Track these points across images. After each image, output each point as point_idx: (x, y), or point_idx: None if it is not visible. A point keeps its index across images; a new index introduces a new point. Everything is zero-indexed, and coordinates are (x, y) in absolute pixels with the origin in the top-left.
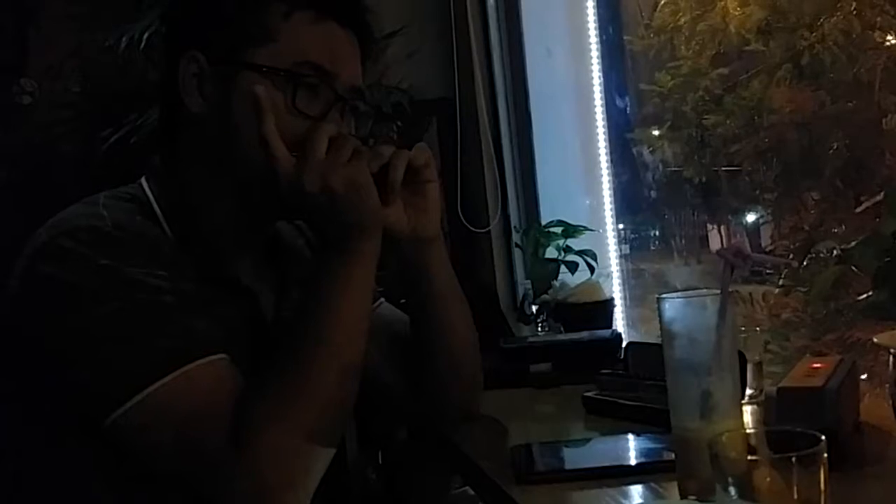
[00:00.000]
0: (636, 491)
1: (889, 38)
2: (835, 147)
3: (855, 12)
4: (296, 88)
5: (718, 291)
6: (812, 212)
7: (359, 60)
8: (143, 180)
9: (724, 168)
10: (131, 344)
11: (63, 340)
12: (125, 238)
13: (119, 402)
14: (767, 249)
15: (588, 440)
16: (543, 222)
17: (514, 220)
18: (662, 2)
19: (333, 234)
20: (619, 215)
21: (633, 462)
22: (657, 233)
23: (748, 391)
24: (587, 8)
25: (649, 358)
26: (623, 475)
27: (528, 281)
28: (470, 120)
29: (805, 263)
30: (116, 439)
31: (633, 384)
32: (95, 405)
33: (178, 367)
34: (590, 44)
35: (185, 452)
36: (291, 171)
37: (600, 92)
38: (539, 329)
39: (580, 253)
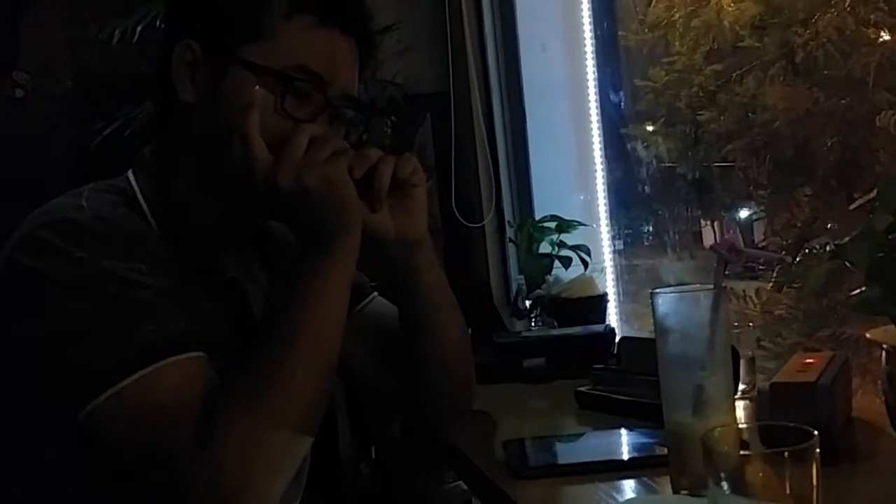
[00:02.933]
0: (629, 486)
1: (883, 34)
2: (828, 144)
3: (849, 9)
4: (286, 91)
5: (712, 286)
6: (805, 209)
7: (356, 68)
8: (129, 173)
9: (717, 164)
10: (104, 339)
11: (38, 333)
12: (105, 231)
13: (90, 397)
14: (760, 246)
15: (581, 435)
16: (537, 217)
17: (507, 215)
18: None
19: (310, 233)
20: (613, 210)
21: (625, 457)
22: (651, 228)
23: (741, 386)
24: (582, 3)
25: (642, 353)
26: (616, 470)
27: (522, 276)
28: (464, 115)
29: (798, 259)
30: (88, 434)
31: (627, 379)
32: (67, 400)
33: (150, 364)
34: (584, 39)
35: (154, 449)
36: (268, 168)
37: (594, 87)
38: (532, 324)
39: (574, 248)
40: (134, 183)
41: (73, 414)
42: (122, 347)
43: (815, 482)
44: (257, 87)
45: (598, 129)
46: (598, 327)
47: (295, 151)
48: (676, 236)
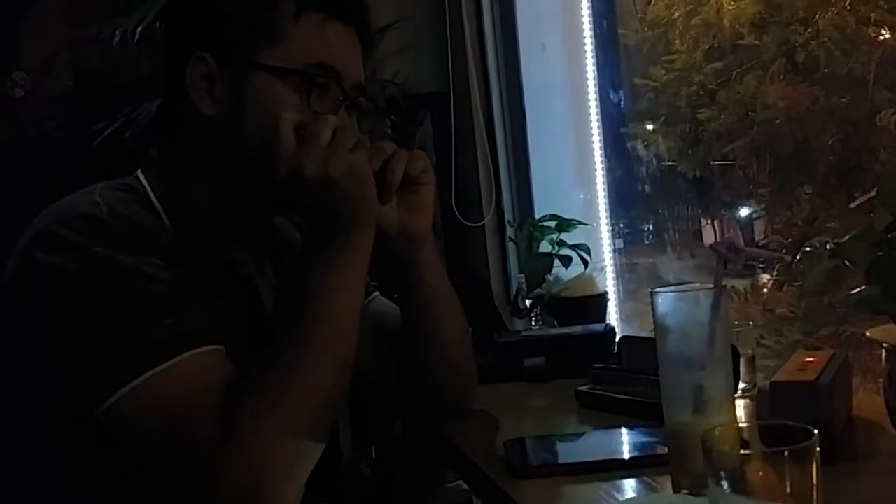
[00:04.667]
0: (629, 485)
1: (883, 33)
2: (829, 143)
3: (849, 7)
4: (310, 88)
5: (712, 285)
6: (805, 207)
7: (361, 58)
8: (139, 172)
9: (717, 163)
10: (123, 334)
11: (56, 328)
12: (121, 225)
13: (109, 392)
14: (760, 244)
15: (581, 434)
16: (537, 216)
17: (507, 215)
18: None
19: (329, 224)
20: (613, 209)
21: (626, 456)
22: (651, 227)
23: (741, 385)
24: (581, 2)
25: (643, 352)
26: (616, 469)
27: (522, 275)
28: (464, 114)
29: (798, 258)
30: (107, 429)
31: (627, 378)
32: (86, 395)
33: (170, 358)
34: (584, 38)
35: (174, 444)
36: (293, 156)
37: (594, 86)
38: (533, 323)
39: (574, 247)
40: (144, 182)
41: (90, 410)
42: (140, 342)
43: (815, 481)
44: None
45: (598, 127)
46: (599, 326)
47: (320, 140)
48: (676, 235)
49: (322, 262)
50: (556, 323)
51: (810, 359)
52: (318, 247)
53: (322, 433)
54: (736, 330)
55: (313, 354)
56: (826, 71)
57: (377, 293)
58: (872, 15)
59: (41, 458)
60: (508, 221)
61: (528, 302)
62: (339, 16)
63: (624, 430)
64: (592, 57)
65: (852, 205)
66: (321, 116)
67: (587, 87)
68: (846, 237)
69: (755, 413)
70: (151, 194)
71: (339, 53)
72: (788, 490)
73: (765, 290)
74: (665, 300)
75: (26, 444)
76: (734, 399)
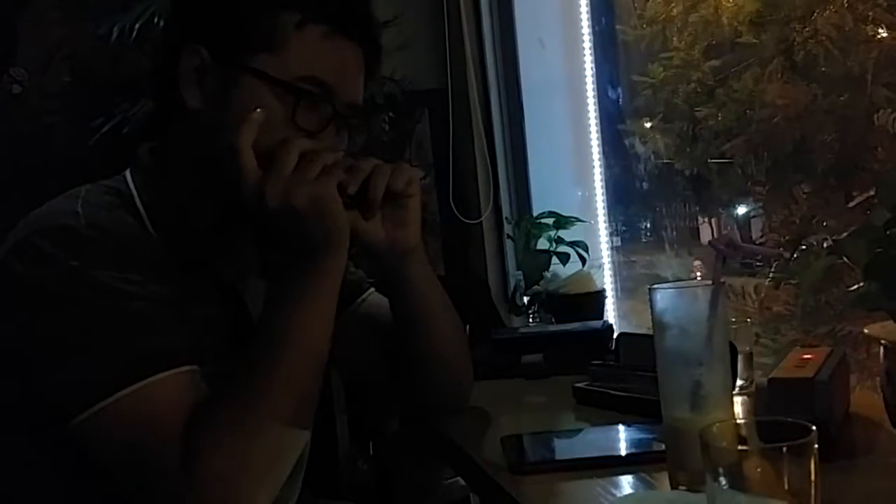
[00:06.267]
0: (626, 481)
1: (881, 31)
2: (826, 141)
3: (847, 6)
4: (297, 102)
5: (710, 282)
6: (803, 205)
7: (362, 77)
8: (127, 173)
9: (715, 161)
10: (93, 353)
11: (26, 342)
12: (100, 238)
13: (76, 410)
14: (758, 242)
15: (579, 431)
16: (535, 213)
17: (505, 212)
18: None
19: (297, 251)
20: (611, 207)
21: (623, 452)
22: (649, 224)
23: (739, 382)
24: None
25: (640, 349)
26: (614, 465)
27: (520, 272)
28: (462, 111)
29: (796, 256)
30: (74, 444)
31: (625, 375)
32: (56, 410)
33: (138, 380)
34: (582, 35)
35: (137, 470)
36: (256, 184)
37: (593, 83)
38: (530, 320)
39: (572, 244)
40: (131, 184)
41: (62, 425)
42: (111, 362)
43: (813, 477)
44: (258, 109)
45: (596, 124)
46: (596, 323)
47: (283, 169)
48: (674, 233)
49: (291, 287)
50: (553, 320)
51: (808, 356)
52: (287, 273)
53: (286, 462)
54: (733, 327)
55: (277, 381)
56: (824, 69)
57: (373, 289)
58: (870, 13)
59: (14, 465)
60: (506, 218)
61: (525, 299)
62: (343, 31)
63: (621, 427)
64: (591, 53)
65: (850, 204)
66: (287, 141)
67: (585, 83)
68: (845, 234)
69: (753, 409)
70: (136, 198)
71: (336, 69)
72: (786, 486)
73: (761, 288)
74: (663, 296)
75: (8, 450)
76: (732, 395)
